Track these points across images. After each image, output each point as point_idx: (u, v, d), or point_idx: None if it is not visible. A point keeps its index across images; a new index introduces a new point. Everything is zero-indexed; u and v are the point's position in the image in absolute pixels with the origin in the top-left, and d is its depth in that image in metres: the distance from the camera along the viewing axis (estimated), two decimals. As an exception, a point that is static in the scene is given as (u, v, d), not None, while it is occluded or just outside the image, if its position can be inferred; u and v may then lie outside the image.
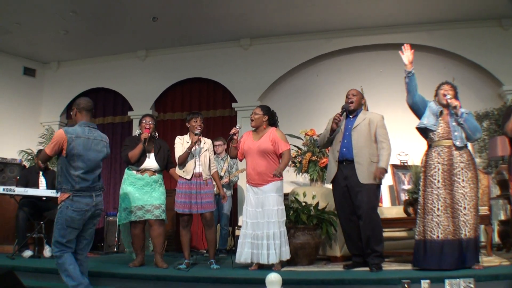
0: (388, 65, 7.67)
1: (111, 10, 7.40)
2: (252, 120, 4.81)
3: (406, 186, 7.02)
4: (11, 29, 7.93)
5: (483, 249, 4.80)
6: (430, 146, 4.23)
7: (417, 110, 4.25)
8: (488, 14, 7.32)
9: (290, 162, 6.26)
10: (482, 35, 7.52)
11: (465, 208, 3.94)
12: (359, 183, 4.35)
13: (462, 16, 7.43)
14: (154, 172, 5.10)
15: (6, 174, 7.48)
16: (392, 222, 5.37)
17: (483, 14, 7.33)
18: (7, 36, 8.18)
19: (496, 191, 6.38)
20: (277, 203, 4.57)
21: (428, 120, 4.17)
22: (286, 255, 4.55)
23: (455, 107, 4.06)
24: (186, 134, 5.12)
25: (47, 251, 5.95)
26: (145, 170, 5.06)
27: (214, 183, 5.16)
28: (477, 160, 6.87)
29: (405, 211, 5.31)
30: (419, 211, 4.16)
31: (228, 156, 5.29)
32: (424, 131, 4.25)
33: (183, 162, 4.91)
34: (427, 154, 4.22)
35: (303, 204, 5.14)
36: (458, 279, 3.34)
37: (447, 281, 3.36)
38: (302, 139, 6.38)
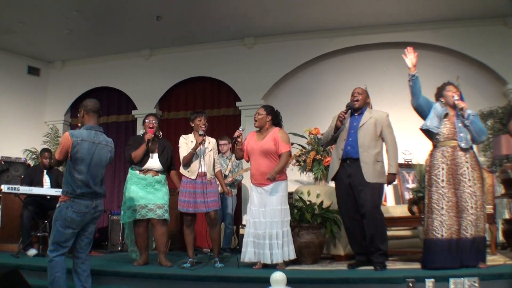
0: (392, 63, 7.60)
1: (115, 9, 7.41)
2: (255, 121, 4.81)
3: (411, 185, 7.01)
4: (15, 29, 7.94)
5: (487, 248, 4.79)
6: (435, 147, 4.24)
7: (422, 112, 4.26)
8: (493, 13, 7.29)
9: (294, 161, 6.27)
10: (486, 33, 7.48)
11: (472, 207, 3.95)
12: (363, 182, 4.35)
13: (466, 15, 7.39)
14: (157, 172, 5.10)
15: (11, 173, 7.53)
16: (397, 221, 5.39)
17: (488, 13, 7.30)
18: (12, 36, 8.20)
19: (500, 189, 6.37)
20: (280, 203, 4.58)
21: (431, 121, 4.17)
22: (291, 255, 4.54)
23: (462, 108, 4.05)
24: (190, 133, 5.13)
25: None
26: (148, 170, 5.06)
27: (218, 182, 5.17)
28: (481, 159, 6.85)
29: (410, 209, 5.32)
30: (425, 211, 4.17)
31: (233, 156, 5.29)
32: (427, 132, 4.25)
33: (188, 163, 4.92)
34: (432, 154, 4.23)
35: (307, 203, 5.14)
36: (462, 278, 3.35)
37: (451, 280, 3.37)
38: (306, 138, 6.38)
